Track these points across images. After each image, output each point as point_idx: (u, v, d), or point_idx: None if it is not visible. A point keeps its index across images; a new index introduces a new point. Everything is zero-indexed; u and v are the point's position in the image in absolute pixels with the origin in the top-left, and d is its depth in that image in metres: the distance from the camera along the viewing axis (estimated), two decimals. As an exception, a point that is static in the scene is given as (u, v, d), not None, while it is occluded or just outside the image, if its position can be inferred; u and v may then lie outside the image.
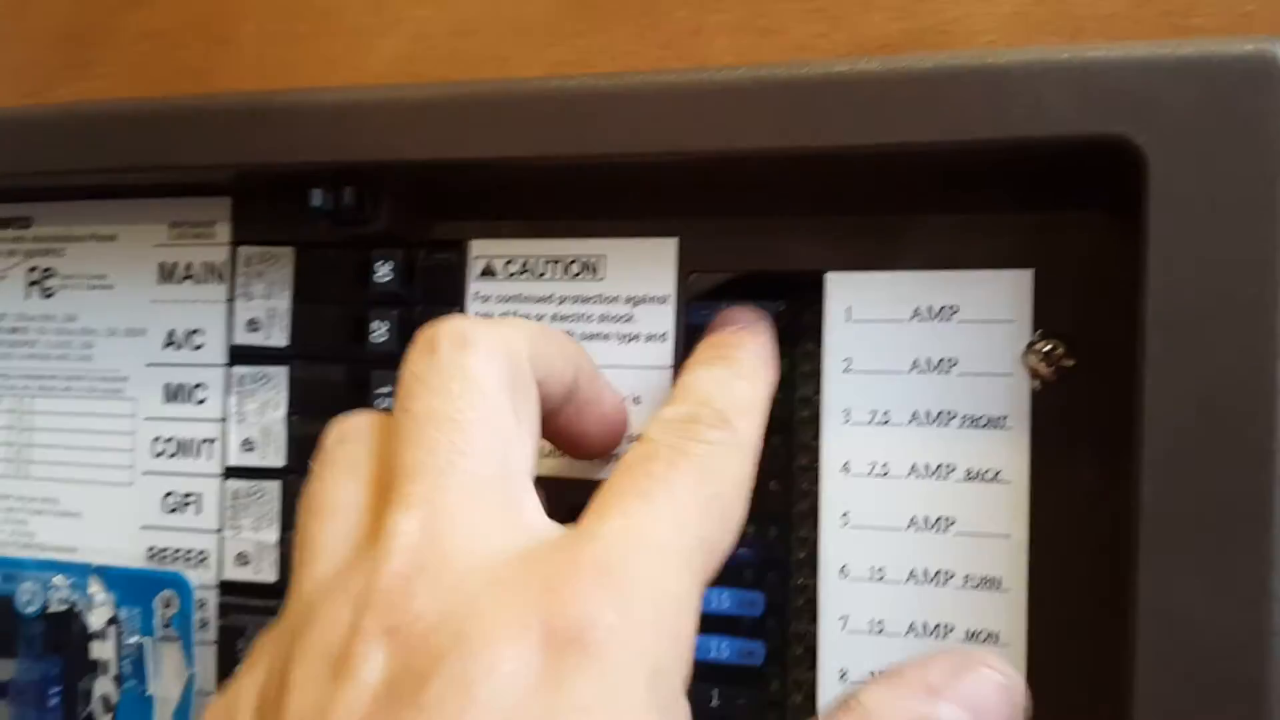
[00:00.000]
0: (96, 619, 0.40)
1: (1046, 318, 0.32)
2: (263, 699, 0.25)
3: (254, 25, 0.44)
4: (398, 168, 0.35)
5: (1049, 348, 0.31)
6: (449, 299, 0.37)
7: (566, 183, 0.36)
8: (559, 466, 0.36)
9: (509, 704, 0.22)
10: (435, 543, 0.25)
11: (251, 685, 0.25)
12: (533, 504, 0.27)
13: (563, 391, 0.31)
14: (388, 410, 0.29)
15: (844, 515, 0.33)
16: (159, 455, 0.40)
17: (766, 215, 0.34)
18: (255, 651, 0.26)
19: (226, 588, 0.39)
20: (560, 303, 0.36)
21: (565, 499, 0.30)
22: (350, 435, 0.29)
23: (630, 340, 0.35)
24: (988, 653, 0.28)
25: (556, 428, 0.32)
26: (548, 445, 0.34)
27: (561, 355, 0.31)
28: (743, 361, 0.32)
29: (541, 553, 0.25)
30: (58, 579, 0.41)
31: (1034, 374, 0.32)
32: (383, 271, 0.36)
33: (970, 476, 0.32)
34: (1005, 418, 0.32)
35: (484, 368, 0.28)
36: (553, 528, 0.27)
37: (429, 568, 0.24)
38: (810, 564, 0.35)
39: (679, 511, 0.27)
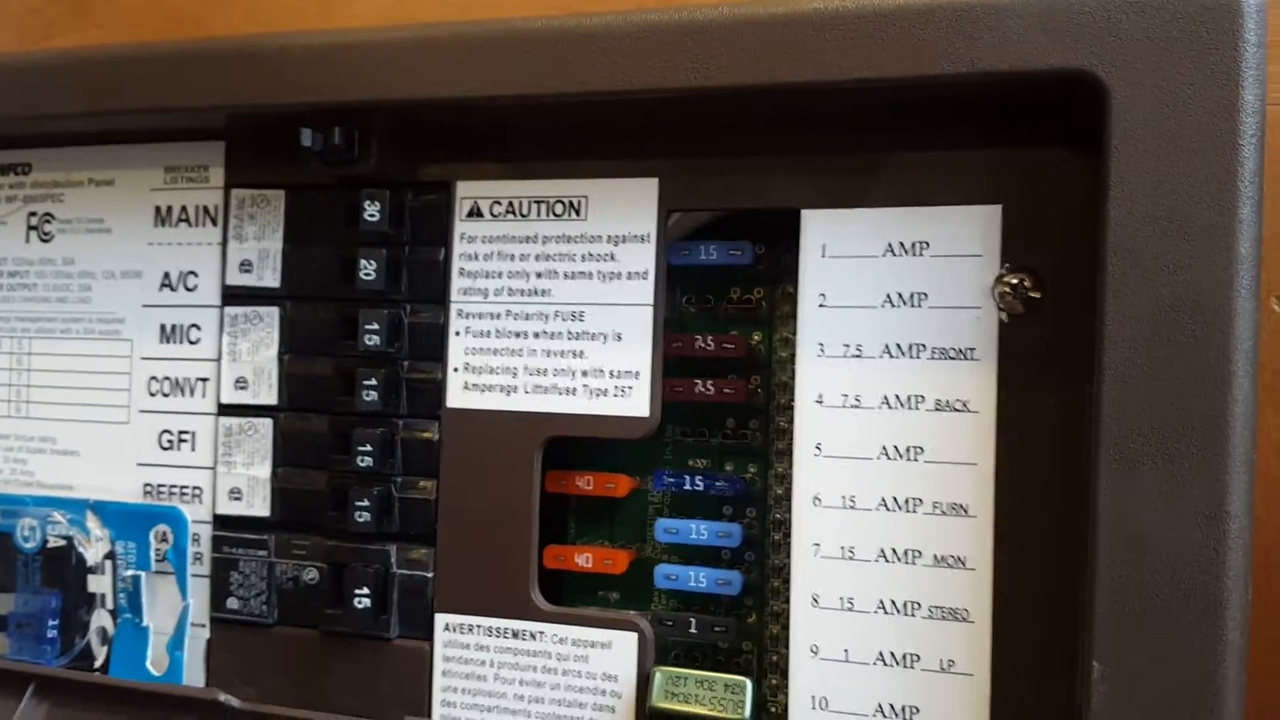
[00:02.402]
0: (94, 554, 0.41)
1: (1015, 252, 0.32)
2: None
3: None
4: (385, 107, 0.36)
5: (1017, 281, 0.32)
6: (436, 239, 0.38)
7: (550, 125, 0.37)
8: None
9: None
10: None
11: None
12: None
13: None
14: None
15: (817, 446, 0.34)
16: (155, 394, 0.41)
17: (745, 155, 0.35)
18: None
19: (220, 522, 0.40)
20: (544, 242, 0.37)
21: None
22: None
23: (612, 279, 0.36)
24: None
25: None
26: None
27: None
28: None
29: None
30: (56, 515, 0.42)
31: (1002, 307, 0.32)
32: (371, 211, 0.37)
33: (939, 407, 0.33)
34: (974, 349, 0.33)
35: None
36: None
37: None
38: (789, 499, 0.36)
39: None
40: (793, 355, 0.36)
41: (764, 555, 0.37)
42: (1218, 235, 0.29)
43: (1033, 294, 0.32)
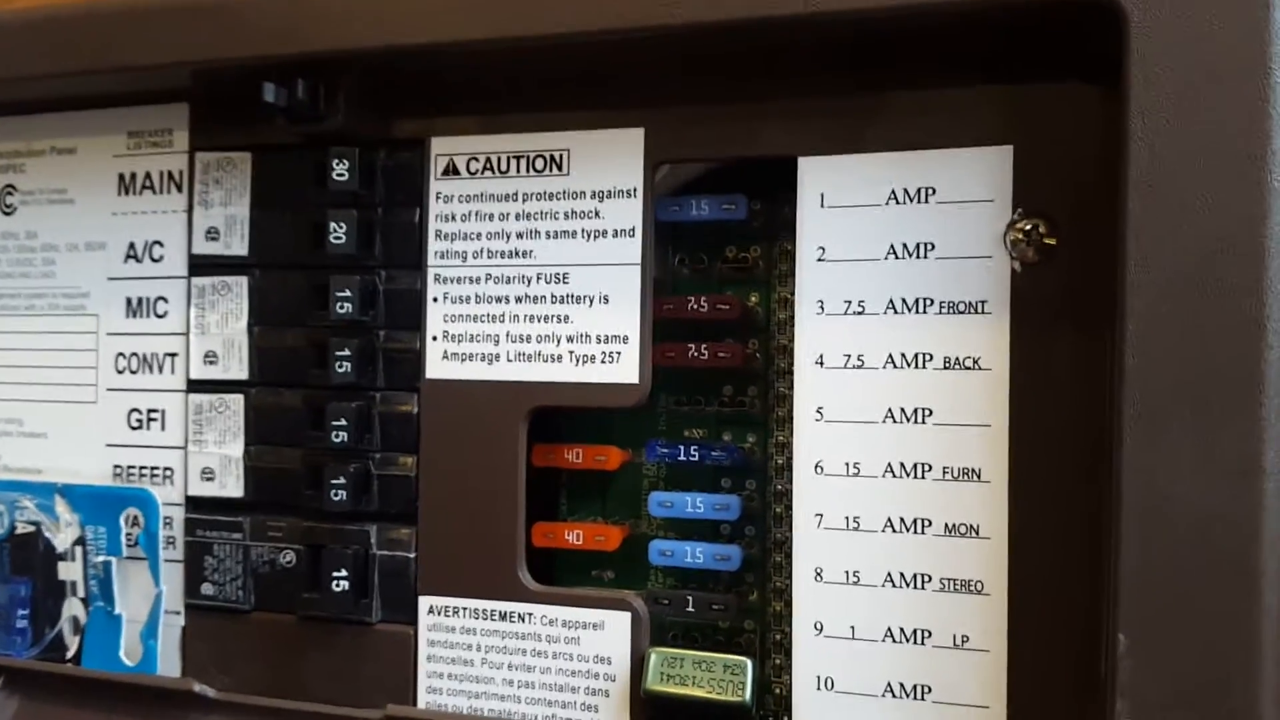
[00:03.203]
0: (63, 539, 0.39)
1: (1028, 196, 0.30)
2: None
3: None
4: (351, 58, 0.34)
5: (1030, 227, 0.30)
6: (410, 199, 0.36)
7: (527, 73, 0.35)
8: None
9: None
10: None
11: None
12: None
13: None
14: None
15: (819, 410, 0.32)
16: (122, 371, 0.39)
17: (736, 100, 0.33)
18: None
19: (192, 504, 0.38)
20: (525, 200, 0.35)
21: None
22: None
23: (598, 237, 0.34)
24: None
25: None
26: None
27: None
28: None
29: None
30: (24, 499, 0.40)
31: (1015, 255, 0.30)
32: (339, 170, 0.35)
33: (948, 365, 0.31)
34: (985, 302, 0.31)
35: None
36: None
37: None
38: (790, 468, 0.34)
39: None
40: (792, 316, 0.34)
41: (765, 528, 0.35)
42: (1249, 170, 0.26)
43: (1048, 240, 0.30)
